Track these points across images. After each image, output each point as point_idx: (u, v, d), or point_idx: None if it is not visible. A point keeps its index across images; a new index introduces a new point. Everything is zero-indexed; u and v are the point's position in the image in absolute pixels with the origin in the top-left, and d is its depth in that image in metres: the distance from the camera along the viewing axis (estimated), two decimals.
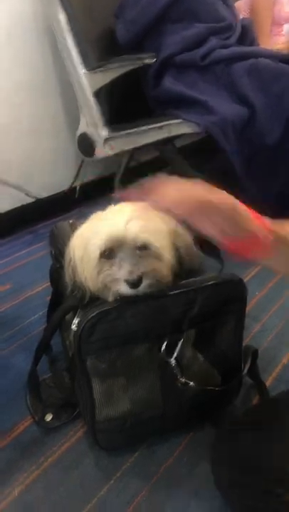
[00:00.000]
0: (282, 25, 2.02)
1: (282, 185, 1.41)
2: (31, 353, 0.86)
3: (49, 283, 1.01)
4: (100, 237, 0.70)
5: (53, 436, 0.89)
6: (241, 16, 1.80)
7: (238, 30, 1.62)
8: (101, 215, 0.75)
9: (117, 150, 1.65)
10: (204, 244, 0.90)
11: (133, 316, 0.72)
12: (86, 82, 1.58)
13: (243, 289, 0.79)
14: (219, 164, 1.69)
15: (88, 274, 0.72)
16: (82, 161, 1.85)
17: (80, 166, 1.86)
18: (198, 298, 0.75)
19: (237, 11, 1.74)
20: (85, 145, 1.68)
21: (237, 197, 0.61)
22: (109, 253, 0.70)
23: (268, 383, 0.96)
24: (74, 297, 0.79)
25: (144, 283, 0.69)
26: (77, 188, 1.92)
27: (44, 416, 0.90)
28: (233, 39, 1.59)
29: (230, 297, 0.78)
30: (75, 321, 0.72)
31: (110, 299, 0.71)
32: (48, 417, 0.90)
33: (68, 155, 1.86)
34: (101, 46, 1.63)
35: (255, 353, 0.90)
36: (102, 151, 1.65)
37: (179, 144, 1.84)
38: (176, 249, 0.75)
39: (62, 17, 1.54)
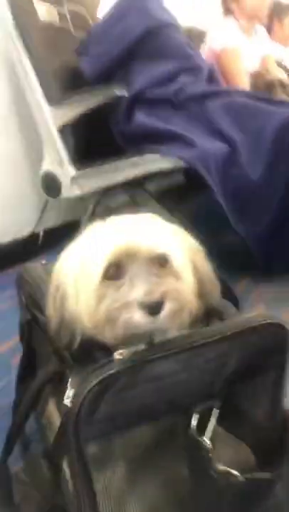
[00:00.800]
0: None
1: (273, 221, 1.31)
2: None
3: (11, 343, 0.78)
4: (103, 248, 0.51)
5: None
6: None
7: (206, 72, 1.59)
8: (101, 226, 0.56)
9: (86, 189, 1.49)
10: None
11: (149, 380, 0.51)
12: (50, 117, 1.45)
13: (286, 335, 0.61)
14: (196, 206, 1.58)
15: (85, 302, 0.51)
16: (46, 204, 1.67)
17: (44, 209, 1.68)
18: (233, 348, 0.56)
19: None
20: (50, 184, 1.52)
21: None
22: (115, 271, 0.51)
23: None
24: (54, 361, 0.58)
25: (167, 308, 0.50)
26: (41, 233, 1.72)
27: None
28: (202, 78, 1.55)
29: (270, 346, 0.60)
30: (69, 392, 0.49)
31: (119, 331, 0.50)
32: None
33: (30, 197, 1.68)
34: (65, 82, 1.52)
35: None
36: (69, 190, 1.48)
37: (149, 187, 1.72)
38: (196, 270, 0.57)
39: (23, 53, 1.44)
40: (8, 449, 0.62)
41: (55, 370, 0.57)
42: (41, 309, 0.74)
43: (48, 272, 0.84)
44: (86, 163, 1.47)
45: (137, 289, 0.49)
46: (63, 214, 1.82)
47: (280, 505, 0.67)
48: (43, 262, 0.91)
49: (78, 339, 0.53)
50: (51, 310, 0.55)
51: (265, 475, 0.58)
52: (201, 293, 0.56)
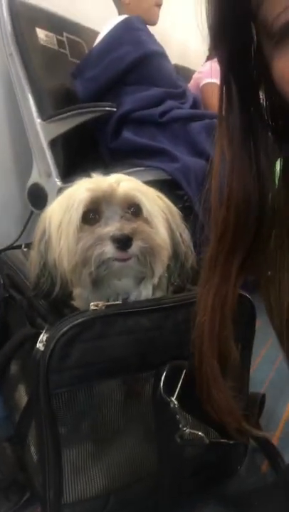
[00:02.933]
0: None
1: None
2: None
3: None
4: (83, 192, 0.57)
5: None
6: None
7: (191, 100, 1.70)
8: (83, 180, 0.62)
9: None
10: None
11: (122, 333, 0.53)
12: (41, 131, 1.51)
13: (253, 308, 0.64)
14: None
15: (66, 244, 0.55)
16: (30, 216, 1.69)
17: (28, 221, 1.70)
18: None
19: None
20: (36, 196, 1.56)
21: None
22: (93, 216, 0.56)
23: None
24: (28, 325, 0.60)
25: (136, 244, 0.54)
26: (23, 246, 1.73)
27: None
28: (187, 105, 1.66)
29: (237, 316, 0.62)
30: (43, 337, 0.51)
31: (93, 270, 0.53)
32: None
33: (16, 207, 1.70)
34: (58, 101, 1.60)
35: (262, 402, 0.72)
36: None
37: None
38: (171, 230, 0.61)
39: (21, 70, 1.51)
40: None
41: (27, 333, 0.59)
42: (19, 289, 0.76)
43: (28, 258, 0.87)
44: (73, 178, 1.51)
45: (110, 226, 0.53)
46: None
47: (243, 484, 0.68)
48: (24, 249, 0.94)
49: (57, 288, 0.55)
50: (35, 255, 0.58)
51: (228, 441, 0.59)
52: (176, 253, 0.60)
